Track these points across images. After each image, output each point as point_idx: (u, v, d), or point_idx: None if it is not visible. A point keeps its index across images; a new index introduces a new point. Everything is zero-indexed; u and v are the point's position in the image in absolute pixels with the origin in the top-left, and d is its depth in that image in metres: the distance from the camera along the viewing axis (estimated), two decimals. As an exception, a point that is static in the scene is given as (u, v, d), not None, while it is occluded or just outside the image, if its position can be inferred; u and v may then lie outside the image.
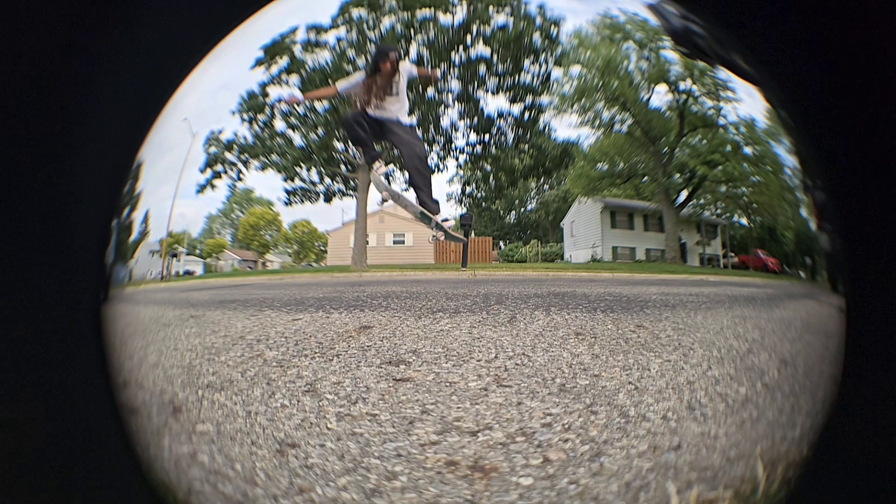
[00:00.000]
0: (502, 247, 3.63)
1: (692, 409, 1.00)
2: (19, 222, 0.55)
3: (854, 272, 0.60)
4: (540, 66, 2.80)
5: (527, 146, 3.07)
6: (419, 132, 3.02)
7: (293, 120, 2.74)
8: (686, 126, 2.62)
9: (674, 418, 0.96)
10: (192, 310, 2.02)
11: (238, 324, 1.83)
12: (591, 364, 1.28)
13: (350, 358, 1.36)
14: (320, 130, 2.83)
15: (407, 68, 2.49)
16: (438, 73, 2.81)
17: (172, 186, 1.53)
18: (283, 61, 2.41)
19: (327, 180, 3.00)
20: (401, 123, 2.39)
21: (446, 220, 2.45)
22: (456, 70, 2.86)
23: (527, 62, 2.76)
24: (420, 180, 2.38)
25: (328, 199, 3.00)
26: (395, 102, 2.39)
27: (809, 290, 1.28)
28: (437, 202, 2.46)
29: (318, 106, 2.77)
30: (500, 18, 2.74)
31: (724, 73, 1.62)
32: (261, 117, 2.59)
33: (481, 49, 2.78)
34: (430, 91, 2.93)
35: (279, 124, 2.69)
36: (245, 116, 2.51)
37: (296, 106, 2.75)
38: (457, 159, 3.10)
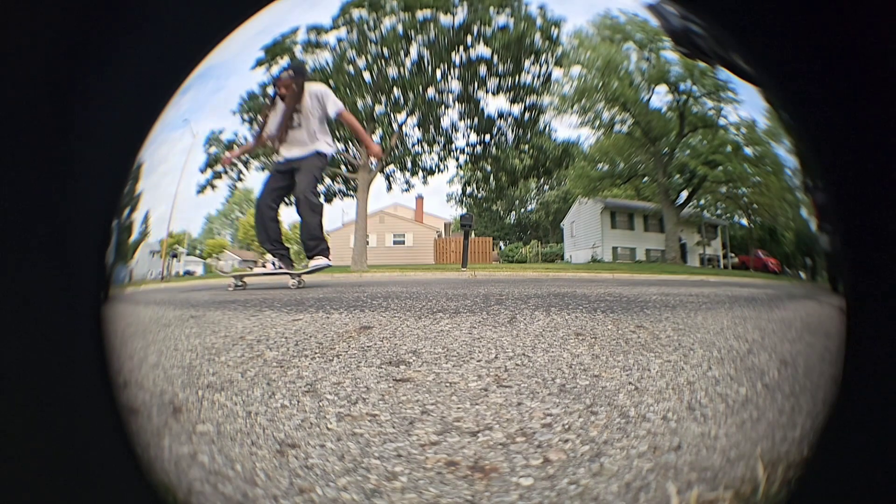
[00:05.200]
0: (502, 247, 3.62)
1: (692, 410, 1.00)
2: (20, 222, 0.55)
3: (854, 272, 0.60)
4: (540, 66, 2.79)
5: (527, 146, 3.06)
6: (419, 133, 3.02)
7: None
8: (686, 126, 2.61)
9: (674, 419, 0.96)
10: (193, 310, 2.02)
11: (238, 324, 1.83)
12: (591, 364, 1.28)
13: (350, 358, 1.36)
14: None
15: (316, 92, 1.97)
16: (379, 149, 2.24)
17: (173, 187, 1.53)
18: (283, 61, 2.41)
19: (327, 180, 2.99)
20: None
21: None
22: (456, 71, 2.86)
23: (527, 63, 2.76)
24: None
25: (328, 199, 2.99)
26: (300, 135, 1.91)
27: (809, 290, 1.28)
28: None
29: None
30: (501, 19, 2.74)
31: (724, 74, 1.62)
32: (261, 117, 2.59)
33: (482, 50, 2.78)
34: (431, 91, 2.92)
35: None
36: (245, 116, 2.51)
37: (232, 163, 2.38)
38: (457, 160, 3.10)
